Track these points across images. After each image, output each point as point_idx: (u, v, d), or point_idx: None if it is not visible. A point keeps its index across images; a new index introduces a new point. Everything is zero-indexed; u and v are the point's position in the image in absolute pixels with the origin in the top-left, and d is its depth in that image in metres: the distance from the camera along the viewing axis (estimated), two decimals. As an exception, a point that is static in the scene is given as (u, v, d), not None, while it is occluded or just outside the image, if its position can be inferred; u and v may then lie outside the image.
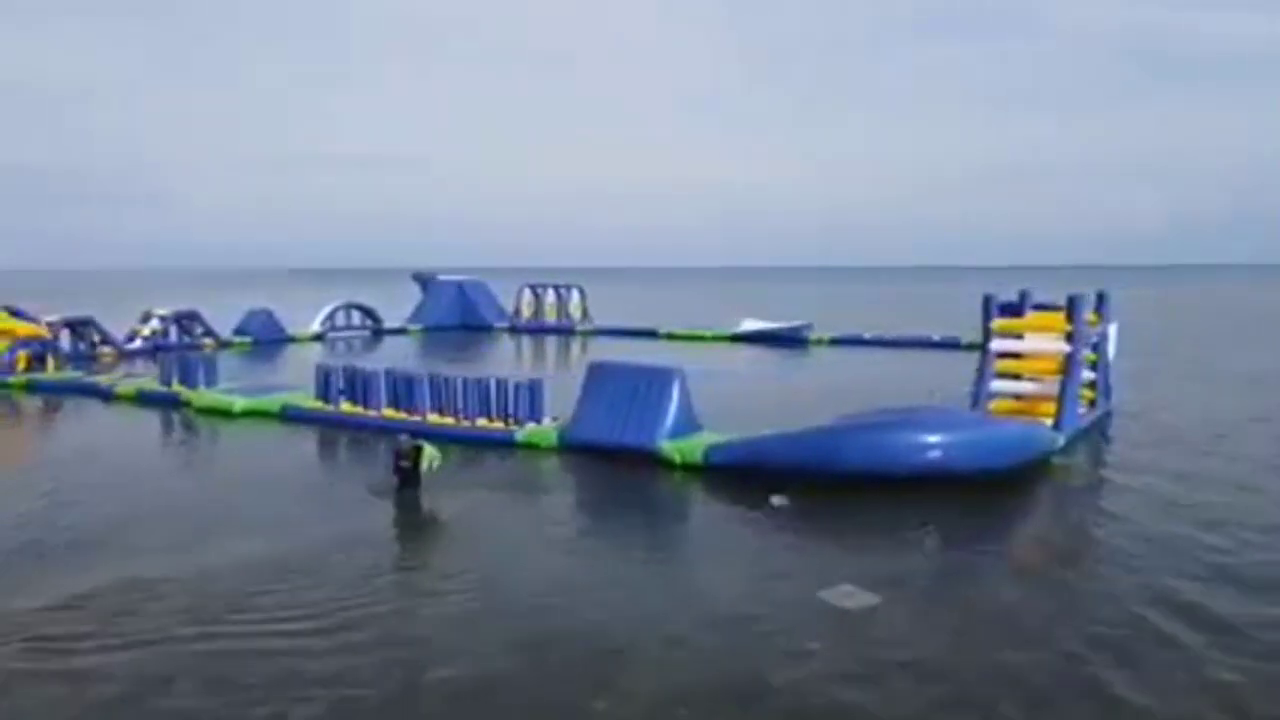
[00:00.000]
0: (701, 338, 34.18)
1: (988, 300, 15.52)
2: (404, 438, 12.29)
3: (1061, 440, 13.93)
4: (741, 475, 12.33)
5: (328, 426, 16.50)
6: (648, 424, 13.46)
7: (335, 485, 13.07)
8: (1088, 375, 16.49)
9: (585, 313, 39.27)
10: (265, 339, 33.53)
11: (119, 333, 30.21)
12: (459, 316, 40.60)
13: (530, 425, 14.76)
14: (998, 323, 15.45)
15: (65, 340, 28.25)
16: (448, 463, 12.23)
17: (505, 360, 29.53)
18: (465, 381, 15.56)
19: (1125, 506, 11.13)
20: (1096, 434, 15.66)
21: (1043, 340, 15.19)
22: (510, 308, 40.86)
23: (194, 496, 12.27)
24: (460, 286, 41.42)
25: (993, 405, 15.41)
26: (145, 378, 21.01)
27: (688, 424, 13.69)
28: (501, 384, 15.30)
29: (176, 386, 19.39)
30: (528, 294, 40.32)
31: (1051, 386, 14.79)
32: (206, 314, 32.61)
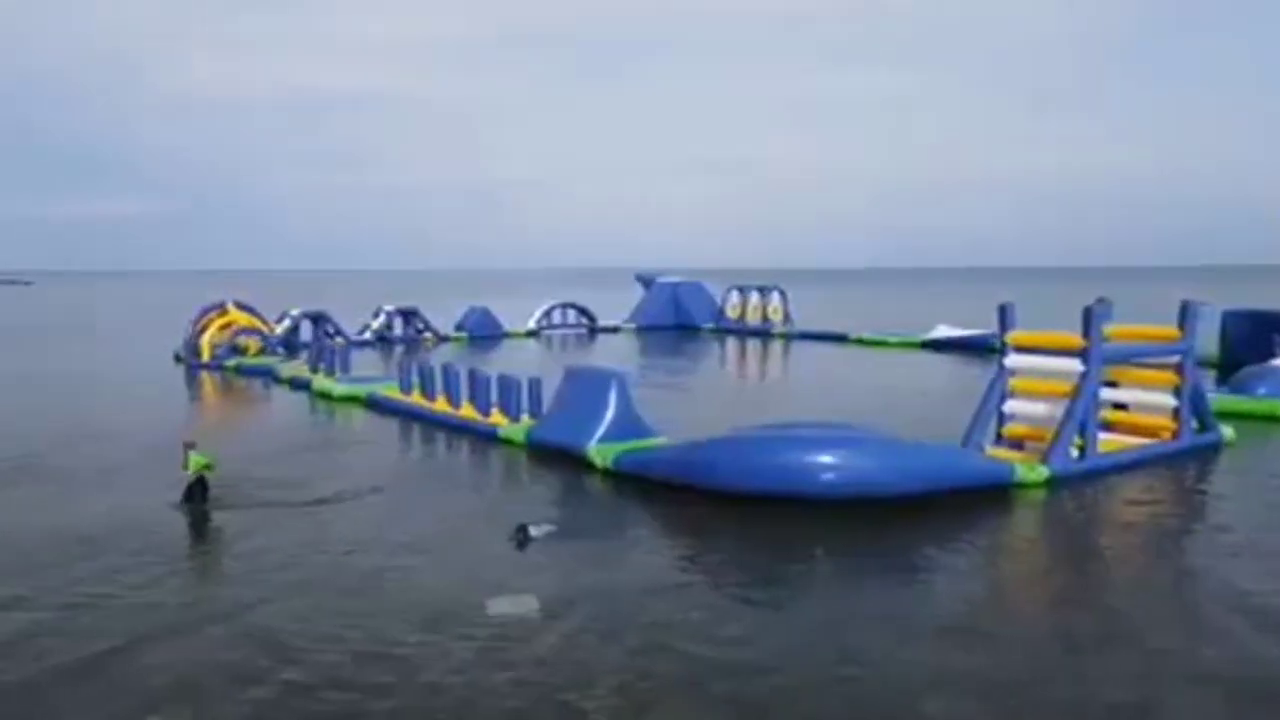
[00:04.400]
0: (886, 344, 32.36)
1: (1003, 310, 13.64)
2: (184, 443, 11.11)
3: (1040, 473, 11.96)
4: (657, 484, 11.99)
5: (397, 413, 18.45)
6: (586, 427, 13.63)
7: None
8: (1158, 400, 13.92)
9: (786, 315, 38.73)
10: (480, 335, 37.08)
11: (353, 327, 35.16)
12: (673, 317, 42.01)
13: (522, 421, 15.47)
14: (1012, 336, 13.53)
15: (307, 331, 33.55)
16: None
17: (631, 358, 30.21)
18: (485, 377, 16.62)
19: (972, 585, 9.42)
20: (1155, 472, 13.01)
21: (1051, 360, 13.09)
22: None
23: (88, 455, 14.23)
24: (675, 287, 42.82)
25: (1005, 430, 13.61)
26: (302, 365, 24.59)
27: (630, 429, 13.63)
28: (509, 380, 16.17)
29: (316, 373, 22.59)
30: (734, 296, 40.62)
31: (1062, 411, 12.73)
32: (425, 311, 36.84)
